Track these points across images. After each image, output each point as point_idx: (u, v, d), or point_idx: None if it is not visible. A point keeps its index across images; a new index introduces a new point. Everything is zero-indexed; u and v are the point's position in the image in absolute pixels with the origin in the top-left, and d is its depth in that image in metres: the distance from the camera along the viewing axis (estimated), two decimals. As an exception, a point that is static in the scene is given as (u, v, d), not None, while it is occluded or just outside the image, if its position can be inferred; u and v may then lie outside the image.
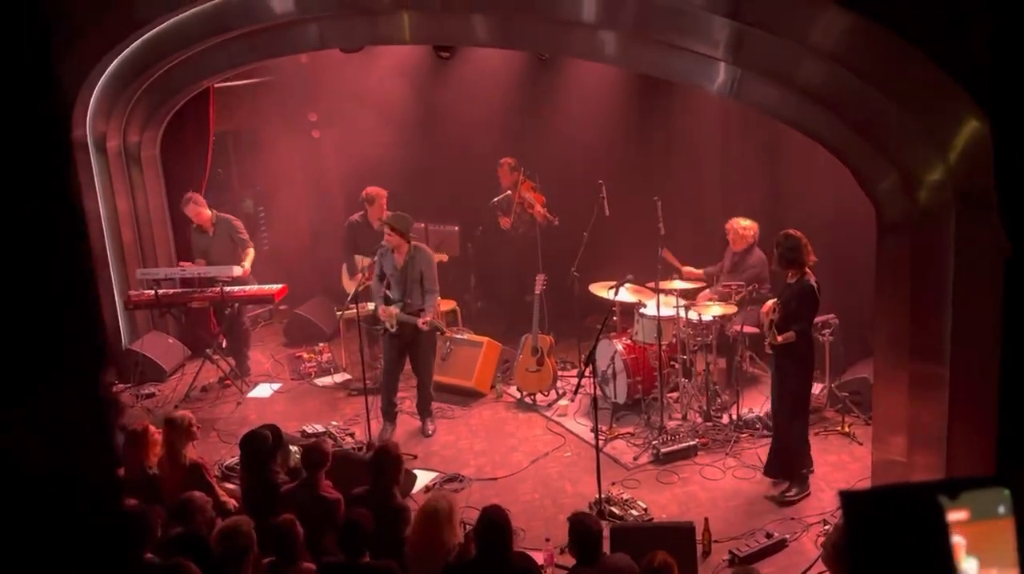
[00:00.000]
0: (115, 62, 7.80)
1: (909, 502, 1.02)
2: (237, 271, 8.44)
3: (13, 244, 0.78)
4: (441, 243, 9.26)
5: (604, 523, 5.88)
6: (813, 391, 6.88)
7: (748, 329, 7.45)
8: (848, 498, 1.06)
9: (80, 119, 8.13)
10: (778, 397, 6.50)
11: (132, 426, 5.92)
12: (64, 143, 0.81)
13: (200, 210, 8.70)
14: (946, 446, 5.19)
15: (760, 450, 6.93)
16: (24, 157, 0.79)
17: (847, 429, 7.28)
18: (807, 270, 6.23)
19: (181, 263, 8.86)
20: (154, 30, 7.47)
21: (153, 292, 8.41)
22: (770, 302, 6.45)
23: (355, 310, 7.46)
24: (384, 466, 5.22)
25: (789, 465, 6.54)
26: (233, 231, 8.81)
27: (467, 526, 5.03)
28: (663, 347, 7.45)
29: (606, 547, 4.90)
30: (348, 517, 4.57)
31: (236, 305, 8.67)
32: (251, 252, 8.83)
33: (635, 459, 7.07)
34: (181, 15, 7.29)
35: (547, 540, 5.71)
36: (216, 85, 9.20)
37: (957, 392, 5.08)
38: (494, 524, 4.42)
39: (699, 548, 5.62)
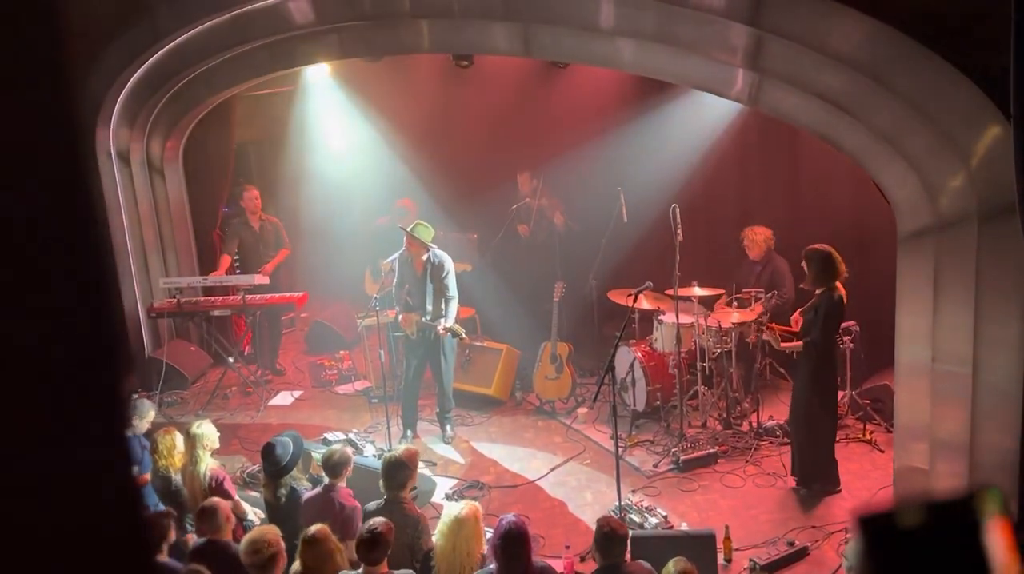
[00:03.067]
0: (138, 73, 7.90)
1: (940, 523, 0.91)
2: (260, 280, 8.54)
3: (33, 252, 0.80)
4: (460, 251, 9.30)
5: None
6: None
7: (768, 336, 7.41)
8: (868, 524, 0.91)
9: (104, 129, 8.23)
10: (796, 406, 6.48)
11: (157, 433, 5.98)
12: (87, 150, 0.82)
13: (259, 201, 9.22)
14: (969, 454, 5.15)
15: (783, 457, 6.89)
16: (46, 165, 0.81)
17: (868, 437, 7.23)
18: (836, 283, 6.18)
19: (221, 264, 9.09)
20: (176, 41, 7.56)
21: (175, 300, 8.50)
22: (799, 313, 6.45)
23: (376, 317, 7.50)
24: (395, 471, 5.24)
25: (812, 471, 6.51)
26: (279, 231, 9.34)
27: (488, 533, 5.04)
28: (682, 354, 7.44)
29: (627, 555, 4.90)
30: (368, 526, 4.58)
31: (258, 313, 8.77)
32: (286, 253, 9.33)
33: (655, 467, 7.06)
34: (203, 26, 7.37)
35: (567, 547, 5.70)
36: (238, 95, 9.29)
37: (980, 399, 5.04)
38: (513, 535, 4.43)
39: (720, 556, 5.60)
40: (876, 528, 0.90)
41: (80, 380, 0.83)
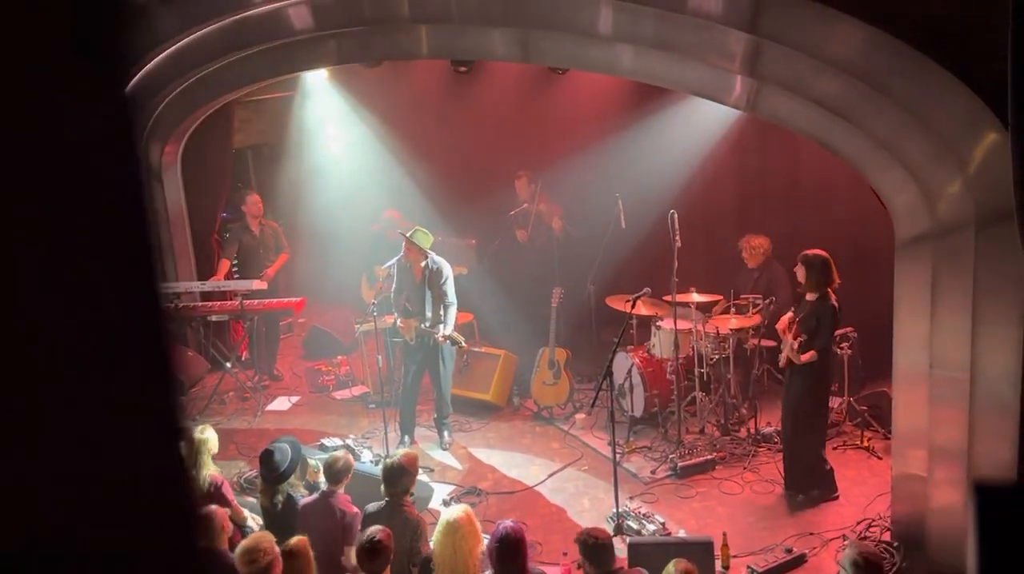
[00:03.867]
0: (136, 78, 7.89)
1: None
2: (258, 285, 8.53)
3: (82, 259, 0.80)
4: (458, 256, 9.31)
5: (622, 537, 5.88)
6: (832, 405, 6.83)
7: (766, 342, 7.41)
8: (986, 494, 0.85)
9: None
10: (792, 412, 6.46)
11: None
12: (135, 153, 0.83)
13: (261, 205, 9.24)
14: (967, 460, 5.15)
15: (778, 464, 6.88)
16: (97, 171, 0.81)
17: (866, 443, 7.22)
18: (828, 290, 6.19)
19: (220, 268, 9.07)
20: (175, 46, 7.55)
21: (173, 305, 8.49)
22: (785, 317, 6.41)
23: (374, 323, 7.49)
24: (398, 476, 5.23)
25: (808, 478, 6.50)
26: (278, 235, 9.34)
27: (485, 538, 5.03)
28: (680, 360, 7.43)
29: (624, 562, 4.89)
30: (368, 536, 4.57)
31: (256, 318, 8.77)
32: (286, 257, 9.32)
33: (653, 473, 7.04)
34: (202, 31, 7.37)
35: (564, 554, 5.70)
36: (237, 100, 9.30)
37: (978, 405, 5.03)
38: (509, 542, 4.43)
39: (718, 563, 5.59)
40: (995, 497, 0.86)
41: (135, 375, 0.84)
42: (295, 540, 4.59)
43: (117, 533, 0.82)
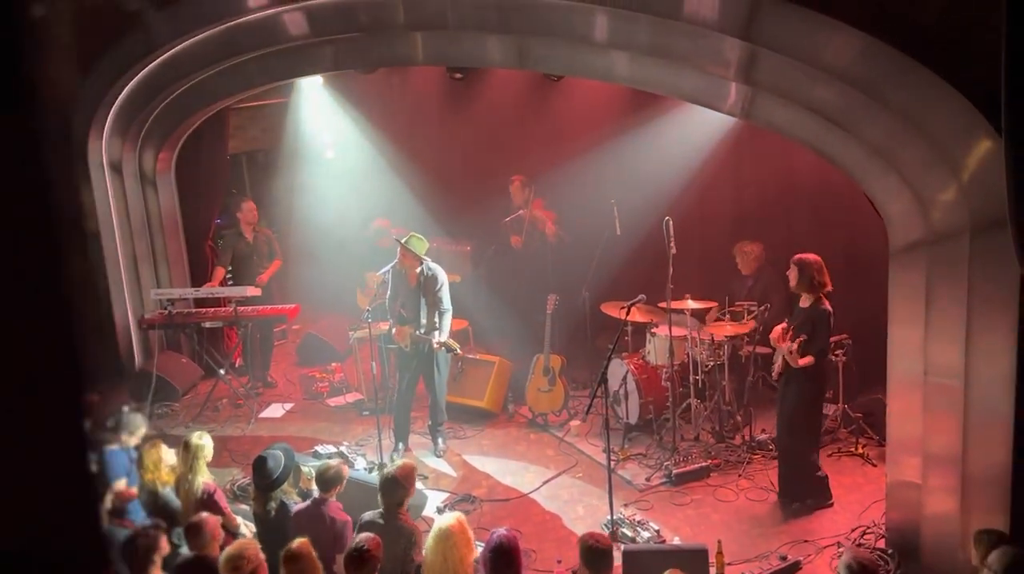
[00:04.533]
0: (131, 84, 7.88)
1: None
2: (252, 291, 8.51)
3: (27, 264, 0.79)
4: (453, 262, 9.30)
5: (616, 545, 5.86)
6: (826, 412, 6.82)
7: (760, 349, 7.41)
8: None
9: (96, 140, 8.21)
10: (787, 420, 6.45)
11: (142, 446, 5.94)
12: (79, 163, 0.81)
13: (256, 213, 9.20)
14: (961, 467, 5.14)
15: (772, 472, 6.88)
16: (38, 177, 0.80)
17: (861, 450, 7.22)
18: (821, 295, 6.19)
19: (215, 275, 9.05)
20: (169, 52, 7.55)
21: (167, 312, 8.47)
22: (779, 327, 6.40)
23: (368, 329, 7.48)
24: (393, 489, 5.21)
25: (803, 486, 6.50)
26: (271, 242, 9.31)
27: (479, 547, 5.01)
28: (675, 367, 7.42)
29: (618, 570, 4.87)
30: (356, 544, 4.55)
31: (250, 324, 8.75)
32: (279, 264, 9.29)
33: (647, 480, 7.03)
34: (196, 37, 7.36)
35: (559, 562, 5.67)
36: (231, 106, 9.29)
37: (972, 412, 5.04)
38: (503, 550, 4.41)
39: (712, 571, 5.57)
40: None
41: (50, 386, 0.82)
42: (297, 542, 4.55)
43: (21, 538, 0.81)
